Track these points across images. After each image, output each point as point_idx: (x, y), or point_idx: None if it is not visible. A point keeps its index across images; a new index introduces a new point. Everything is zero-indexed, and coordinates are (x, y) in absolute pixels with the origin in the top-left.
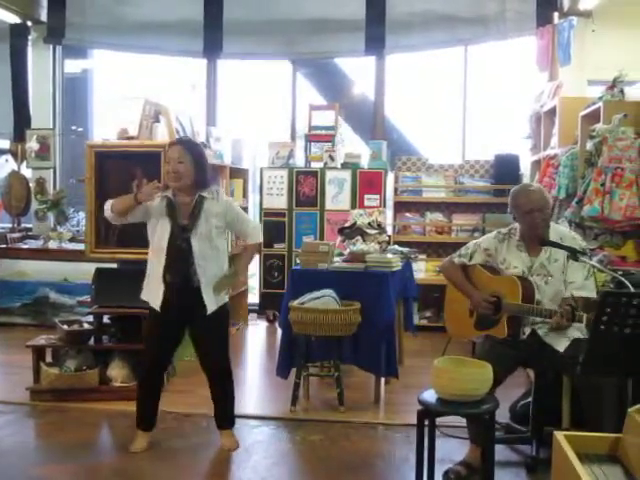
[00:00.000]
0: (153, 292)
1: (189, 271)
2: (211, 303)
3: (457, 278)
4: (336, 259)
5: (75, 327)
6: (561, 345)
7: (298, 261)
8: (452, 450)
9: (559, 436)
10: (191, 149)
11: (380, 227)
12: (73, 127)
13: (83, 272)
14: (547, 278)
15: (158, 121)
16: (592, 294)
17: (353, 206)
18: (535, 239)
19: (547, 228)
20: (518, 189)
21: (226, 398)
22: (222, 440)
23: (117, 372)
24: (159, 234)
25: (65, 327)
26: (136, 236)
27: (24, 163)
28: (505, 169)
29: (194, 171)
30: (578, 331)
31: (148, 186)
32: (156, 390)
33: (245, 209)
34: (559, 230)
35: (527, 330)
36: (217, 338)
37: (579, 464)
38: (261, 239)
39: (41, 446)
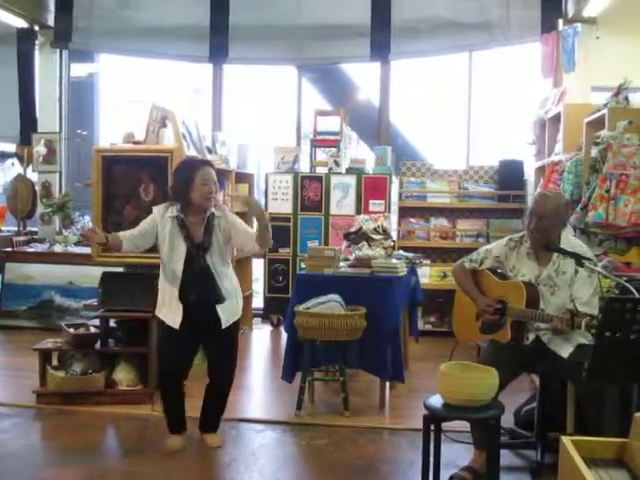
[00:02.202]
0: (172, 312)
1: (208, 288)
2: (226, 318)
3: (466, 283)
4: (342, 264)
5: (81, 331)
6: (565, 351)
7: (303, 266)
8: (457, 455)
9: (566, 441)
10: (214, 170)
11: (385, 232)
12: (79, 131)
13: (88, 276)
14: (553, 289)
15: (165, 126)
16: (595, 312)
17: (358, 211)
18: (540, 245)
19: (554, 237)
20: (538, 191)
21: (219, 409)
22: (206, 439)
23: (123, 375)
24: (172, 255)
25: (72, 331)
26: None
27: (30, 167)
28: (509, 175)
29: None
30: (582, 337)
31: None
32: (179, 400)
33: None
34: (570, 241)
35: (531, 336)
36: (228, 353)
37: (586, 469)
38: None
39: (47, 449)
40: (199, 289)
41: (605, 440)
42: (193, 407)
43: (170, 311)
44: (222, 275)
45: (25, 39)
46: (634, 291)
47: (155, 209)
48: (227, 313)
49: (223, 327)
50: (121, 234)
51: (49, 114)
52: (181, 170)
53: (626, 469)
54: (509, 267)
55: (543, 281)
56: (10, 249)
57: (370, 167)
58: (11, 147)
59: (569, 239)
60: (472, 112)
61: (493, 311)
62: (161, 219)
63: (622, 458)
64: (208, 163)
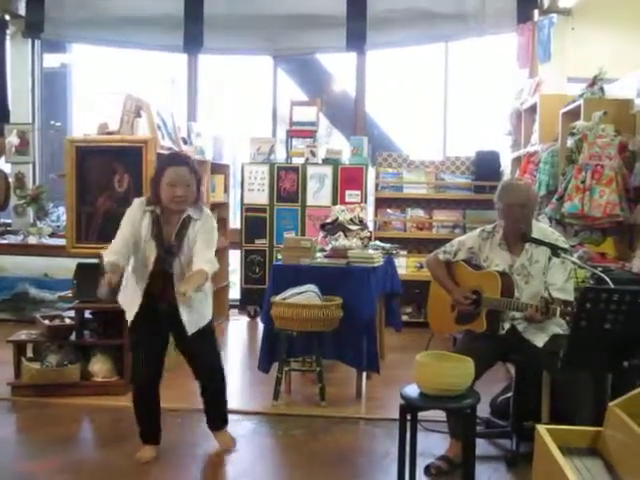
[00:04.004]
0: (128, 303)
1: (170, 294)
2: (191, 326)
3: (440, 274)
4: (318, 255)
5: (56, 322)
6: (540, 340)
7: (279, 256)
8: (433, 444)
9: (541, 429)
10: (194, 168)
11: (362, 223)
12: (52, 122)
13: (63, 267)
14: (527, 278)
15: (139, 116)
16: (570, 297)
17: (334, 202)
18: (516, 236)
19: (529, 226)
20: (506, 182)
21: (220, 399)
22: (218, 440)
23: (99, 367)
24: (144, 253)
25: (46, 322)
26: (117, 231)
27: (3, 158)
28: (486, 166)
29: (195, 192)
30: (557, 327)
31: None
32: (154, 408)
33: (226, 205)
34: (542, 229)
35: (506, 325)
36: (209, 354)
37: (561, 457)
38: (210, 272)
39: (23, 441)
40: (159, 293)
41: (580, 429)
42: (174, 398)
43: (127, 300)
44: None
45: None
46: (609, 281)
47: (137, 202)
48: (194, 318)
49: (189, 334)
50: (114, 257)
51: (22, 105)
52: (156, 166)
53: (600, 457)
54: (482, 258)
55: (517, 270)
56: None
57: (346, 158)
58: None
59: (540, 227)
60: (448, 103)
61: (469, 302)
62: (142, 213)
63: (596, 447)
64: (181, 161)
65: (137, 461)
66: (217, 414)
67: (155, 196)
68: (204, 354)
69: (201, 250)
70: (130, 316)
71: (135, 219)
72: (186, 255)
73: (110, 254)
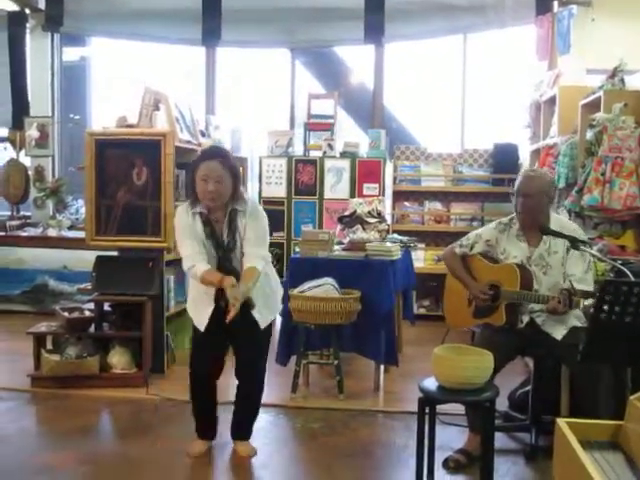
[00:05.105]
0: (200, 313)
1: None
2: (263, 318)
3: (457, 268)
4: (336, 247)
5: (76, 314)
6: (559, 333)
7: (297, 249)
8: (451, 438)
9: (561, 423)
10: (228, 163)
11: (380, 216)
12: (71, 115)
13: (82, 260)
14: (546, 269)
15: (158, 109)
16: (590, 288)
17: (352, 195)
18: (533, 227)
19: (546, 217)
20: (522, 171)
21: (248, 415)
22: (237, 448)
23: (117, 359)
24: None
25: (66, 314)
26: (136, 224)
27: (22, 151)
28: (504, 158)
29: (232, 187)
30: (576, 319)
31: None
32: (209, 403)
33: None
34: (560, 220)
35: (525, 318)
36: (258, 353)
37: (582, 451)
38: (259, 268)
39: (42, 433)
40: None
41: (600, 423)
42: (186, 390)
43: (198, 311)
44: None
45: (16, 23)
46: (629, 274)
47: (181, 209)
48: (264, 313)
49: (262, 327)
50: (204, 262)
51: (41, 98)
52: (191, 163)
53: (621, 451)
54: (500, 250)
55: (535, 261)
56: (3, 233)
57: (364, 151)
58: (3, 131)
59: (558, 218)
60: (467, 95)
61: (486, 297)
62: (192, 217)
63: (617, 441)
64: (213, 155)
65: (187, 455)
66: (245, 422)
67: (195, 195)
68: (255, 350)
69: (251, 246)
70: (202, 325)
71: (188, 224)
72: (240, 249)
73: (201, 264)
